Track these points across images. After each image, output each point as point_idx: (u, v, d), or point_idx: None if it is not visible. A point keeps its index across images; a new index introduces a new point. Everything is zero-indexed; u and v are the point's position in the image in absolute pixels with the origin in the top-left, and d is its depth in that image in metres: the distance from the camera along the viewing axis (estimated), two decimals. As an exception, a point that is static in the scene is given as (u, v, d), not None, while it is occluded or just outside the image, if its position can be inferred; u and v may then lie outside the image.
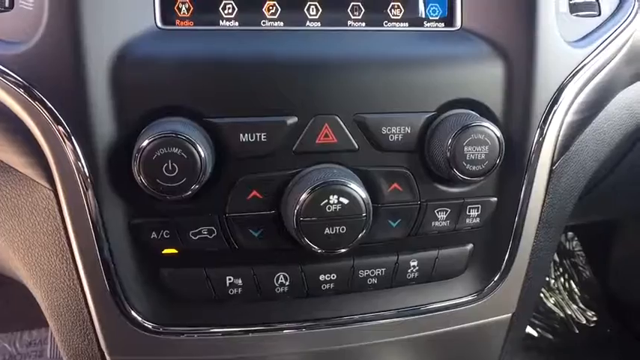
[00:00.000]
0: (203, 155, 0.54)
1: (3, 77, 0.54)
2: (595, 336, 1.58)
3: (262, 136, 0.58)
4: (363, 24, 0.65)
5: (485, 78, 0.64)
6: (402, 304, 0.70)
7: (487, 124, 0.59)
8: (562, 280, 1.69)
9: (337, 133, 0.60)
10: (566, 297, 1.66)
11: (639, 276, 1.42)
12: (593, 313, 1.62)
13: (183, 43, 0.59)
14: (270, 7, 0.62)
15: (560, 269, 1.71)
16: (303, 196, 0.57)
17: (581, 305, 1.65)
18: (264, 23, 0.62)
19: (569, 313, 1.63)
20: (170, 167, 0.53)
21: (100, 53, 0.55)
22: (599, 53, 0.67)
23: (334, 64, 0.61)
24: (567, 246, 1.73)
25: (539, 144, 0.65)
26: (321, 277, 0.64)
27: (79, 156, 0.55)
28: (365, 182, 0.61)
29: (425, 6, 0.66)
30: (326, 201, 0.57)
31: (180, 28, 0.60)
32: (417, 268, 0.67)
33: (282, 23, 0.63)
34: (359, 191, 0.58)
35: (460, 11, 0.66)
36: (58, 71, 0.54)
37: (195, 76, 0.57)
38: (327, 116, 0.60)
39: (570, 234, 1.71)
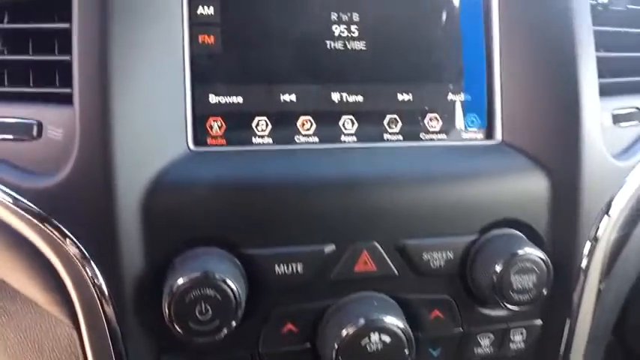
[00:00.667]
0: (238, 294, 0.50)
1: (26, 212, 0.51)
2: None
3: (299, 267, 0.55)
4: (400, 137, 0.62)
5: (529, 196, 0.61)
6: None
7: (535, 252, 0.56)
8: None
9: (377, 260, 0.57)
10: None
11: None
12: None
13: (216, 167, 0.56)
14: (305, 123, 0.60)
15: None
16: (343, 332, 0.53)
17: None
18: (298, 140, 0.60)
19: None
20: (203, 309, 0.50)
21: (132, 184, 0.52)
22: (644, 165, 0.65)
23: (372, 184, 0.58)
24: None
25: (587, 264, 0.62)
26: None
27: (104, 293, 0.52)
28: (405, 310, 0.57)
29: (463, 116, 0.64)
30: (367, 339, 0.53)
31: (212, 149, 0.57)
32: None
33: (317, 139, 0.60)
34: (401, 327, 0.54)
35: (500, 122, 0.64)
36: (87, 205, 0.51)
37: (228, 204, 0.54)
38: (366, 243, 0.57)
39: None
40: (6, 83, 0.54)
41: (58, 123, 0.52)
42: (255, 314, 0.55)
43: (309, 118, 0.60)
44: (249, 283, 0.54)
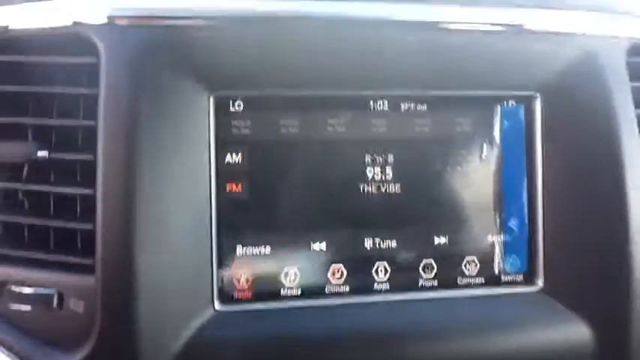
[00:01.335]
0: None
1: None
2: None
3: None
4: (435, 282, 0.59)
5: (572, 352, 0.57)
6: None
7: None
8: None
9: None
10: None
11: None
12: None
13: (243, 329, 0.52)
14: (336, 272, 0.57)
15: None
16: None
17: None
18: (328, 290, 0.57)
19: None
20: None
21: (158, 358, 0.49)
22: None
23: (406, 341, 0.55)
24: None
25: None
26: None
27: None
28: None
29: (502, 258, 0.60)
30: None
31: (238, 308, 0.54)
32: None
33: (347, 288, 0.57)
34: None
35: (542, 266, 0.60)
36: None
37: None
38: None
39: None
40: (25, 247, 0.51)
41: (79, 294, 0.49)
42: None
43: (341, 266, 0.57)
44: None
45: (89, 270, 0.49)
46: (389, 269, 0.58)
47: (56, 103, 0.54)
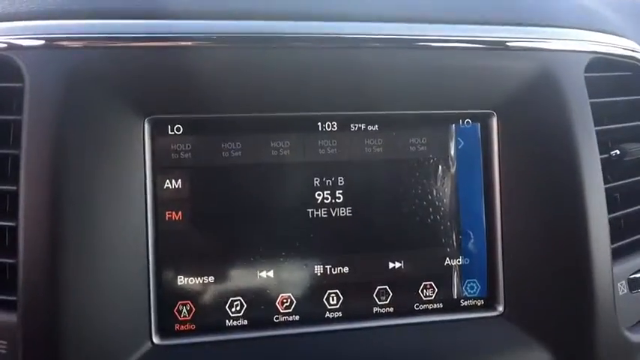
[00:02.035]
0: None
1: None
2: None
3: None
4: (391, 309, 0.56)
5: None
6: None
7: None
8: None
9: None
10: None
11: None
12: None
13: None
14: (285, 301, 0.54)
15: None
16: None
17: None
18: (277, 319, 0.54)
19: None
20: None
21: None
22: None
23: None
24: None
25: None
26: None
27: None
28: None
29: (461, 283, 0.58)
30: None
31: (179, 342, 0.51)
32: None
33: (297, 317, 0.54)
34: None
35: (502, 290, 0.57)
36: None
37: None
38: None
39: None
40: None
41: (1, 333, 0.46)
42: None
43: (289, 295, 0.54)
44: None
45: (12, 307, 0.46)
46: (341, 297, 0.55)
47: None
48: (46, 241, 0.45)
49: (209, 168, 0.52)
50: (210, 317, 0.53)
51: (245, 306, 0.53)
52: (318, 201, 0.55)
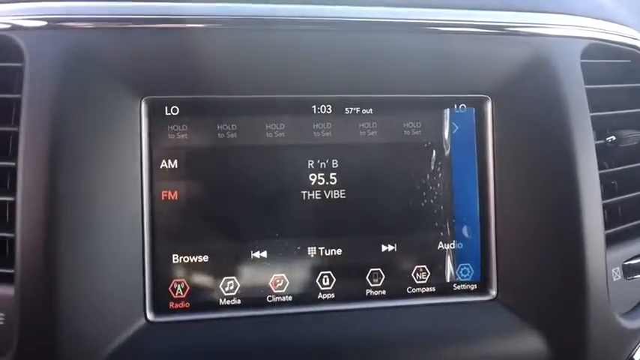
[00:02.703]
0: None
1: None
2: None
3: None
4: (384, 292, 0.56)
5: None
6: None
7: None
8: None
9: None
10: None
11: None
12: None
13: (176, 343, 0.50)
14: (278, 281, 0.55)
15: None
16: None
17: None
18: (270, 299, 0.55)
19: None
20: None
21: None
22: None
23: (350, 354, 0.52)
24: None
25: None
26: None
27: None
28: None
29: (454, 267, 0.58)
30: None
31: (173, 319, 0.52)
32: None
33: (290, 298, 0.55)
34: None
35: (495, 275, 0.58)
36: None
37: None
38: None
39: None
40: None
41: None
42: None
43: (283, 275, 0.55)
44: None
45: (9, 280, 0.48)
46: (334, 278, 0.56)
47: None
48: (42, 217, 0.46)
49: (205, 149, 0.53)
50: (205, 296, 0.54)
51: (239, 285, 0.54)
52: (312, 183, 0.55)
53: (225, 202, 0.54)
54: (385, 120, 0.57)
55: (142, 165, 0.51)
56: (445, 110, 0.58)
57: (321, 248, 0.56)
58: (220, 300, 0.54)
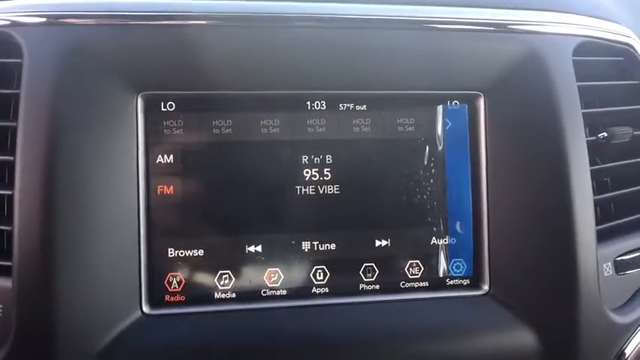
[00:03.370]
0: None
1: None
2: None
3: None
4: (377, 286, 0.57)
5: (518, 358, 0.55)
6: None
7: None
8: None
9: None
10: None
11: None
12: None
13: (172, 335, 0.51)
14: (272, 275, 0.56)
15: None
16: None
17: None
18: (265, 293, 0.55)
19: None
20: None
21: (76, 358, 0.48)
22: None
23: (344, 348, 0.53)
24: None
25: None
26: None
27: None
28: None
29: (447, 262, 0.59)
30: None
31: (169, 311, 0.53)
32: None
33: (285, 292, 0.56)
34: None
35: (487, 270, 0.58)
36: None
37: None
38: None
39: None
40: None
41: None
42: None
43: (277, 269, 0.56)
44: None
45: (6, 272, 0.48)
46: (328, 273, 0.56)
47: None
48: (40, 210, 0.47)
49: (200, 144, 0.54)
50: (200, 289, 0.54)
51: (233, 279, 0.55)
52: (307, 178, 0.56)
53: (220, 197, 0.54)
54: (379, 116, 0.57)
55: (139, 160, 0.52)
56: (438, 107, 0.58)
57: (316, 243, 0.56)
58: (215, 293, 0.55)
